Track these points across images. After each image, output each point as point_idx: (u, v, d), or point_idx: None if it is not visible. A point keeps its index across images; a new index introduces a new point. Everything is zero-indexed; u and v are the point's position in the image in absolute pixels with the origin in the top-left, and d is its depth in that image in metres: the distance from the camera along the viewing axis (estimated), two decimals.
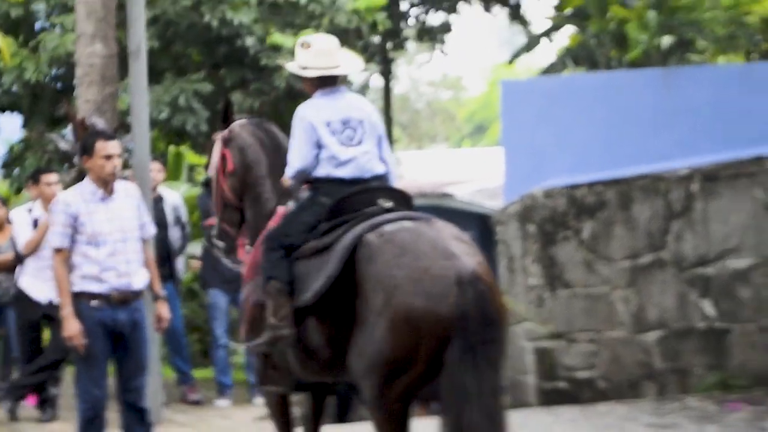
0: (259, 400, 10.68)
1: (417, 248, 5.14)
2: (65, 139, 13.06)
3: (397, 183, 6.14)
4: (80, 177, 7.67)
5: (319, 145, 5.86)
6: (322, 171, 5.88)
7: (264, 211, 6.25)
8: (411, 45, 27.07)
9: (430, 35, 23.47)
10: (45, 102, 15.71)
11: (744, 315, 11.35)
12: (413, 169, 29.93)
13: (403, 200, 5.81)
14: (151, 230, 7.49)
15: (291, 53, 13.88)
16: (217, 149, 6.53)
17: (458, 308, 4.94)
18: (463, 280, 4.98)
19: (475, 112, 44.49)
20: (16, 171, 15.86)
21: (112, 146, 7.08)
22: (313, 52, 6.03)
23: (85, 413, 6.98)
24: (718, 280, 11.40)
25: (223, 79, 14.67)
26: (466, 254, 5.16)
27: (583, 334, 11.61)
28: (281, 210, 6.09)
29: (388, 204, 5.68)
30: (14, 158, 16.09)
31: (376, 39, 20.71)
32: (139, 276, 7.12)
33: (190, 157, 15.08)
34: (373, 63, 23.18)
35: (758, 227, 11.41)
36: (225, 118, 6.61)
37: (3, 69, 15.14)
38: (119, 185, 7.21)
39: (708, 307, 11.41)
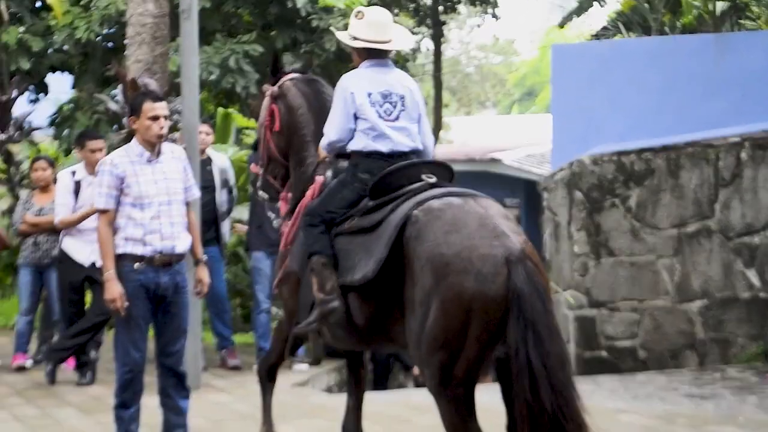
0: (300, 366, 10.73)
1: (465, 226, 5.10)
2: (115, 99, 13.13)
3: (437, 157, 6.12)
4: (129, 138, 7.62)
5: (357, 117, 5.85)
6: (360, 143, 5.87)
7: (305, 176, 6.28)
8: (462, 8, 26.90)
9: None
10: (95, 62, 15.77)
11: None
12: (462, 134, 29.90)
13: (446, 174, 5.78)
14: (196, 193, 7.43)
15: (342, 15, 13.95)
16: (266, 104, 6.53)
17: (510, 287, 4.92)
18: (512, 259, 4.96)
19: (525, 77, 44.26)
20: (66, 132, 15.92)
21: (160, 107, 6.99)
22: (366, 23, 6.00)
23: (123, 376, 6.96)
24: (764, 249, 11.34)
25: (273, 40, 14.66)
26: (513, 232, 5.14)
27: (625, 302, 11.60)
28: (319, 179, 6.09)
29: (432, 179, 5.65)
30: (64, 118, 16.15)
31: (428, 1, 20.63)
32: (182, 239, 7.06)
33: (239, 119, 15.16)
34: (425, 26, 23.12)
35: None
36: (275, 71, 6.60)
37: (55, 27, 15.20)
38: (166, 147, 7.14)
39: (753, 276, 11.36)
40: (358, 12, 6.08)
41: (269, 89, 6.59)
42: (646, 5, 16.09)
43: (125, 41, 12.26)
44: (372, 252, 5.37)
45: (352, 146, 5.88)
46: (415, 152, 5.94)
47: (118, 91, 13.01)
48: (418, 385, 10.82)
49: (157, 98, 7.10)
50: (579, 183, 11.98)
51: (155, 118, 6.97)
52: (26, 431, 8.26)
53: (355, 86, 5.89)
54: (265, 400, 6.75)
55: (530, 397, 4.86)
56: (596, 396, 9.38)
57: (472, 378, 5.11)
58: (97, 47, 15.59)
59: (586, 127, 13.13)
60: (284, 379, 9.86)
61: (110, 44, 15.79)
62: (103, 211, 6.95)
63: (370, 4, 14.38)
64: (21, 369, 10.50)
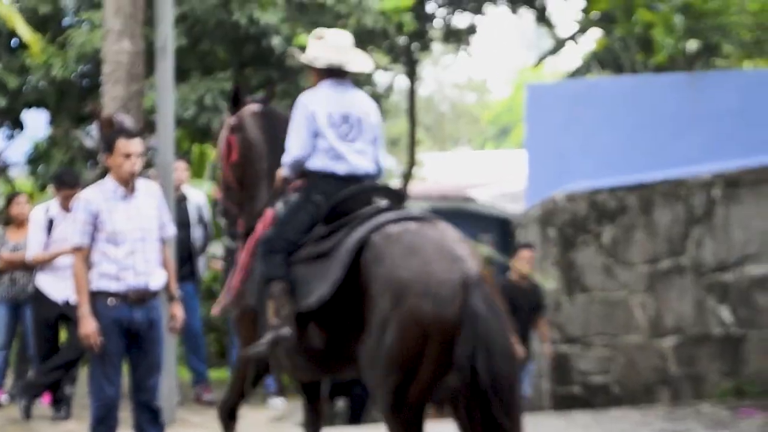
0: (275, 402, 10.76)
1: (423, 250, 5.15)
2: (90, 136, 13.14)
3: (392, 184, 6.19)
4: (104, 174, 7.65)
5: (317, 135, 5.89)
6: (318, 163, 5.89)
7: (254, 212, 6.32)
8: (436, 46, 27.07)
9: (456, 37, 23.43)
10: (71, 99, 15.76)
11: (761, 321, 11.40)
12: (436, 172, 29.96)
13: (397, 198, 5.87)
14: (171, 230, 7.45)
15: None
16: (224, 135, 6.55)
17: (466, 310, 4.96)
18: (469, 283, 5.01)
19: (499, 115, 44.41)
20: (41, 168, 15.92)
21: (134, 145, 7.02)
22: (326, 45, 6.05)
23: (97, 411, 6.98)
24: (736, 286, 11.45)
25: (249, 78, 14.72)
26: (469, 257, 5.18)
27: (599, 338, 11.69)
28: (269, 212, 6.10)
29: (384, 203, 5.74)
30: (39, 155, 16.15)
31: (401, 40, 20.73)
32: (156, 276, 7.10)
33: (214, 155, 15.15)
34: (399, 64, 23.21)
35: None
36: (235, 101, 6.62)
37: (30, 65, 15.23)
38: (141, 184, 7.18)
39: (725, 313, 11.48)
40: (317, 34, 6.14)
41: (229, 120, 6.62)
42: (619, 44, 16.28)
43: (101, 78, 12.28)
44: (327, 276, 5.40)
45: (310, 165, 5.90)
46: (370, 175, 6.00)
47: (93, 128, 13.02)
48: None
49: (130, 135, 7.11)
50: (553, 220, 12.08)
51: (128, 156, 6.99)
52: None
53: (316, 105, 5.92)
54: None
55: (479, 416, 4.90)
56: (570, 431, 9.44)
57: (423, 402, 5.14)
58: (73, 85, 15.58)
59: (560, 165, 13.25)
60: (260, 415, 9.87)
61: (86, 82, 15.78)
62: (78, 248, 6.97)
63: None
64: None
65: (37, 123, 17.38)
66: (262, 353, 5.74)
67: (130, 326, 6.97)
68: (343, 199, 5.73)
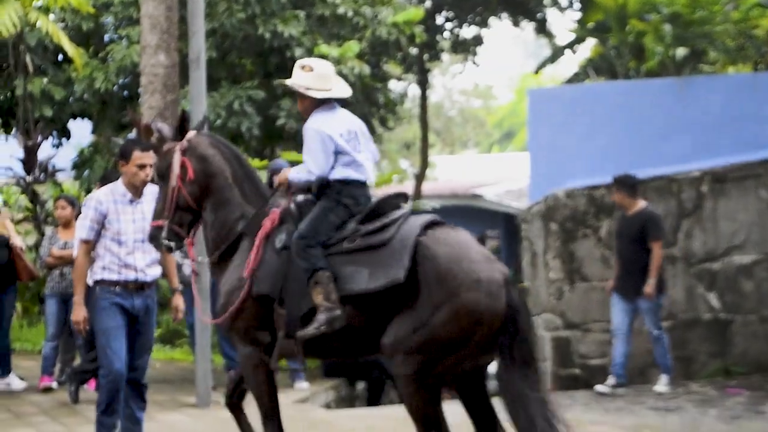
0: (300, 384, 10.75)
1: (468, 251, 5.67)
2: None
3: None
4: None
5: (337, 152, 6.12)
6: (342, 174, 6.13)
7: (233, 215, 6.36)
8: (446, 56, 27.02)
9: (464, 47, 23.42)
10: (112, 109, 15.81)
11: (746, 306, 11.38)
12: (446, 172, 29.94)
13: (405, 200, 6.19)
14: None
15: (336, 62, 14.01)
16: (176, 159, 6.45)
17: (510, 304, 5.53)
18: (507, 282, 5.59)
19: (503, 119, 44.34)
20: (86, 173, 15.96)
21: (147, 157, 7.10)
22: (315, 75, 6.24)
23: (108, 385, 7.08)
24: (723, 274, 11.43)
25: (274, 87, 14.72)
26: (496, 258, 5.79)
27: (597, 324, 11.67)
28: (275, 211, 6.22)
29: (406, 206, 6.12)
30: (84, 161, 16.19)
31: (413, 51, 20.72)
32: (153, 269, 7.28)
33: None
34: (411, 73, 23.20)
35: (763, 225, 11.43)
36: (181, 129, 6.59)
37: (75, 78, 15.27)
38: (147, 189, 7.26)
39: (713, 299, 11.45)
40: (305, 65, 6.29)
41: (176, 145, 6.52)
42: (613, 52, 16.22)
43: (139, 90, 12.29)
44: (389, 264, 5.68)
45: (334, 176, 6.11)
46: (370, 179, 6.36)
47: (133, 135, 13.05)
48: None
49: (145, 148, 7.12)
50: (554, 215, 12.06)
51: (142, 167, 7.12)
52: None
53: (328, 128, 6.12)
54: None
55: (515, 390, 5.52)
56: (572, 409, 9.41)
57: (447, 374, 5.62)
58: (114, 96, 15.64)
59: (560, 164, 13.20)
60: (286, 398, 9.89)
61: (126, 93, 15.82)
62: (84, 241, 7.12)
63: (358, 55, 14.45)
64: (47, 390, 10.53)
65: (81, 131, 17.44)
66: (320, 332, 5.84)
67: (131, 310, 7.14)
68: (379, 204, 6.04)
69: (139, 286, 7.15)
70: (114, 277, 7.09)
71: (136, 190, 7.18)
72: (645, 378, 11.13)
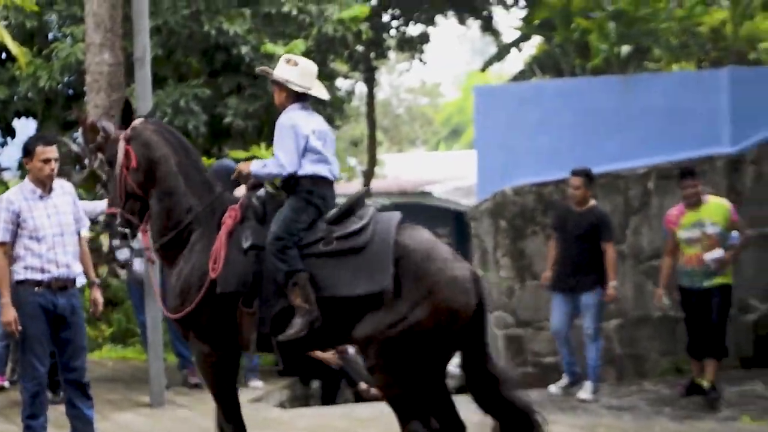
0: (255, 383, 10.59)
1: (438, 249, 5.96)
2: (76, 142, 12.93)
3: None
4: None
5: (307, 149, 6.19)
6: (310, 169, 6.20)
7: (181, 205, 6.33)
8: (392, 54, 26.90)
9: (410, 45, 23.31)
10: (57, 107, 15.57)
11: None
12: (395, 170, 29.86)
13: (369, 197, 6.32)
14: (86, 223, 7.73)
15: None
16: (121, 147, 6.43)
17: (479, 300, 5.93)
18: (475, 278, 5.97)
19: (450, 116, 44.37)
20: None
21: (51, 151, 7.11)
22: (299, 71, 6.32)
23: (31, 389, 7.11)
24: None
25: (220, 85, 14.55)
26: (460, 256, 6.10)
27: (549, 322, 11.57)
28: (235, 207, 6.21)
29: (370, 205, 6.23)
30: None
31: (360, 48, 20.57)
32: (76, 265, 7.27)
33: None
34: (358, 71, 23.06)
35: None
36: (125, 118, 6.59)
37: (19, 77, 15.01)
38: (56, 184, 7.26)
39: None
40: (290, 60, 6.37)
41: (120, 133, 6.53)
42: (558, 50, 16.16)
43: (84, 88, 12.08)
44: (372, 268, 5.83)
45: (304, 172, 6.18)
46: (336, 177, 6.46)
47: (78, 134, 12.80)
48: (362, 399, 10.77)
49: (48, 142, 7.18)
50: (503, 212, 11.97)
51: (47, 161, 7.10)
52: None
53: (303, 126, 6.22)
54: None
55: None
56: None
57: (420, 366, 5.84)
58: (59, 94, 15.36)
59: (508, 161, 13.11)
60: (239, 396, 9.71)
61: (71, 91, 15.54)
62: (1, 243, 7.06)
63: (304, 53, 14.26)
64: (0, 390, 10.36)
65: (26, 130, 17.13)
66: (298, 335, 5.92)
67: (55, 310, 7.11)
68: (350, 204, 6.14)
69: (62, 285, 7.10)
70: (38, 276, 7.06)
71: (44, 186, 7.16)
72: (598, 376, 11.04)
